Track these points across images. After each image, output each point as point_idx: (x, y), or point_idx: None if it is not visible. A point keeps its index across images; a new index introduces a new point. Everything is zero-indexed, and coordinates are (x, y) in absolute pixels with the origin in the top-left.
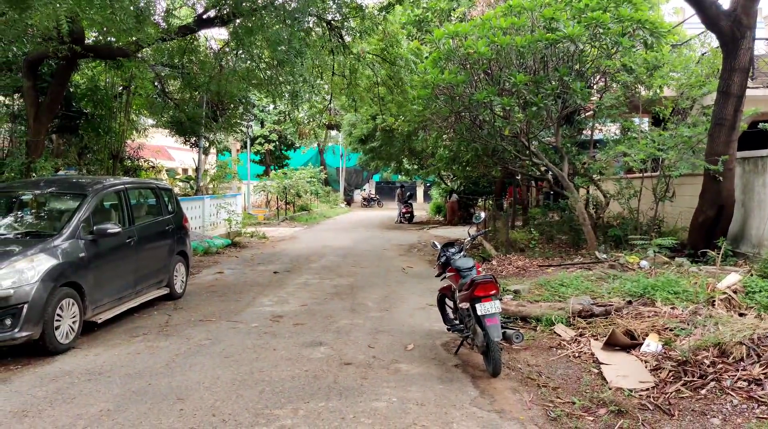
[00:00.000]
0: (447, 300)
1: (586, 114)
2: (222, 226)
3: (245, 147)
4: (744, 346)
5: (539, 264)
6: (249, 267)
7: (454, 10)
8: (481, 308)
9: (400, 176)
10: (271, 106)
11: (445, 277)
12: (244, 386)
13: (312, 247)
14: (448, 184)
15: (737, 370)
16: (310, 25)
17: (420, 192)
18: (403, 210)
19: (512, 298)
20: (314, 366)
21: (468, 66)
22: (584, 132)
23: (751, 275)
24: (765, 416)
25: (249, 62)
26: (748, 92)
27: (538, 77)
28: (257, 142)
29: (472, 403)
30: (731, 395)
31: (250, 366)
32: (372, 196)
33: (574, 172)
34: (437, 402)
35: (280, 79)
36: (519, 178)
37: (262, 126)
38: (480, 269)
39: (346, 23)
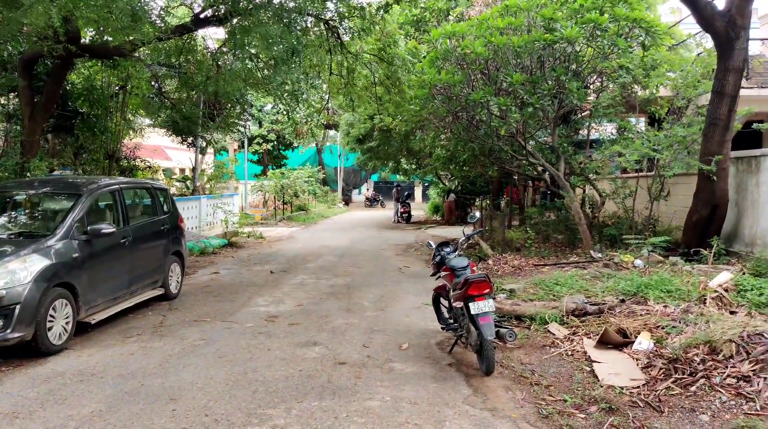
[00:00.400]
0: (442, 299)
1: (583, 114)
2: (218, 226)
3: (243, 147)
4: (734, 343)
5: (535, 263)
6: (245, 267)
7: (452, 9)
8: (475, 307)
9: (398, 176)
10: (269, 106)
11: (440, 277)
12: (238, 386)
13: (309, 247)
14: (446, 183)
15: (726, 367)
16: (308, 25)
17: (418, 192)
18: (401, 210)
19: (507, 297)
20: (308, 366)
21: (465, 66)
22: (581, 132)
23: (744, 274)
24: (753, 412)
25: (246, 62)
26: (742, 92)
27: (535, 77)
28: (255, 141)
29: (465, 401)
30: (720, 392)
31: (243, 366)
32: (376, 196)
33: (570, 171)
34: (430, 400)
35: (278, 78)
36: (516, 177)
37: (260, 126)
38: (474, 268)
39: (343, 23)
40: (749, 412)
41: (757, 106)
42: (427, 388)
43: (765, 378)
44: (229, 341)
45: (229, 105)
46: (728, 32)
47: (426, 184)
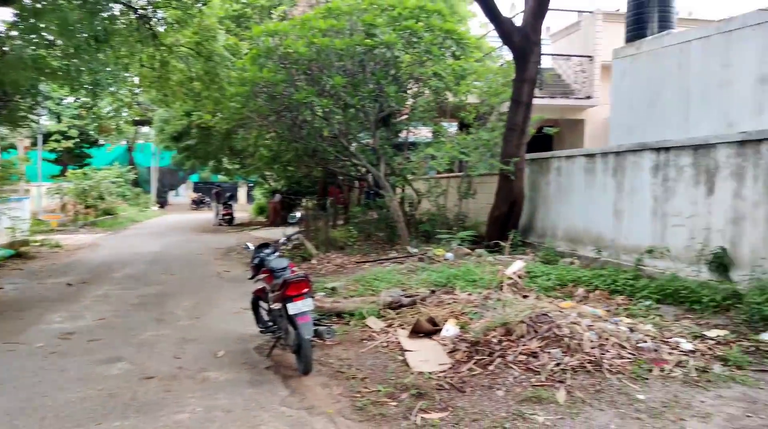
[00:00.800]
0: (261, 302)
1: (402, 117)
2: (4, 234)
3: (36, 144)
4: (525, 324)
5: (357, 260)
6: (36, 280)
7: (274, 8)
8: (293, 307)
9: (220, 176)
10: (70, 99)
11: (259, 279)
12: (21, 415)
13: (116, 255)
14: (271, 184)
15: (519, 345)
16: (116, 12)
17: (243, 192)
18: (223, 212)
19: (326, 295)
20: (110, 384)
21: (288, 65)
22: (400, 134)
23: (535, 262)
24: (539, 384)
25: (39, 48)
26: (536, 101)
27: (356, 80)
28: (53, 138)
29: (281, 402)
30: (513, 368)
31: (29, 391)
32: (202, 198)
33: (390, 172)
34: (245, 406)
35: (81, 68)
36: (341, 178)
37: (59, 121)
38: (294, 269)
39: (157, 13)
40: (536, 383)
41: (548, 113)
42: (243, 394)
43: (549, 353)
44: (12, 365)
45: (18, 96)
46: (523, 46)
47: (250, 185)
